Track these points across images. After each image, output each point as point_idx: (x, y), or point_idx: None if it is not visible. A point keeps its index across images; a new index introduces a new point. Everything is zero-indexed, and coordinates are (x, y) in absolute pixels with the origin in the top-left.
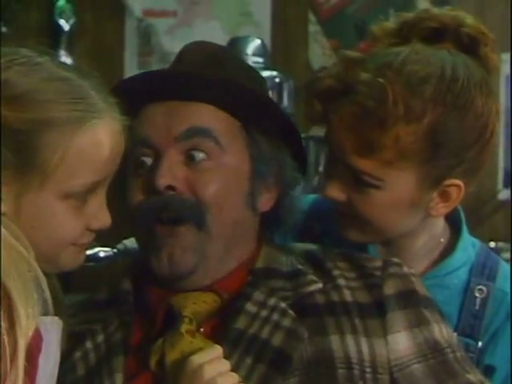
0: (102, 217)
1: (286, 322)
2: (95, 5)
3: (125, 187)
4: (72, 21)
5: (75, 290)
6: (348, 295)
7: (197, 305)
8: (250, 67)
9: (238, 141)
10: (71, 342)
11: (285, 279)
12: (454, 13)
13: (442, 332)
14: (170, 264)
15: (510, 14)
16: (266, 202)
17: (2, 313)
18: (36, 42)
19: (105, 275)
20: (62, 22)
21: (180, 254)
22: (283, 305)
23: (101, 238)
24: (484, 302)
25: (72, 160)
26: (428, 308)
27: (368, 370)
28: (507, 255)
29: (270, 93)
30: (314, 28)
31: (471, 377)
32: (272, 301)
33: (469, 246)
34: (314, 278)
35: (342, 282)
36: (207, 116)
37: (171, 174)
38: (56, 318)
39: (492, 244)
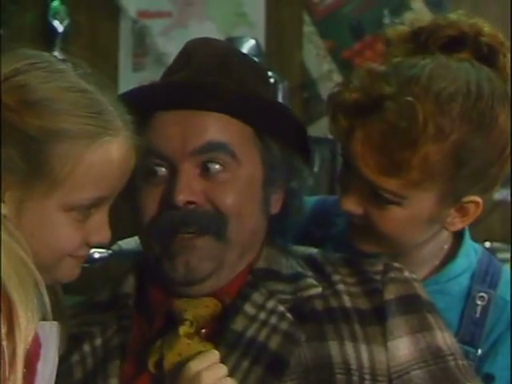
0: (102, 232)
1: (284, 326)
2: (90, 6)
3: (132, 193)
4: (66, 22)
5: (69, 291)
6: (347, 301)
7: (199, 309)
8: (257, 65)
9: (251, 149)
10: (69, 344)
11: (284, 282)
12: (472, 20)
13: (445, 339)
14: (186, 271)
15: (510, 13)
16: (275, 204)
17: (1, 316)
18: (30, 42)
19: (99, 276)
20: (56, 23)
21: (197, 261)
22: (282, 308)
23: None
24: (485, 309)
25: (80, 174)
26: (432, 313)
27: (367, 376)
28: (503, 255)
29: None
30: (308, 28)
31: None
32: (271, 304)
33: (471, 251)
34: (314, 281)
35: (341, 287)
36: (223, 129)
37: (189, 189)
38: (55, 322)
39: (487, 244)
